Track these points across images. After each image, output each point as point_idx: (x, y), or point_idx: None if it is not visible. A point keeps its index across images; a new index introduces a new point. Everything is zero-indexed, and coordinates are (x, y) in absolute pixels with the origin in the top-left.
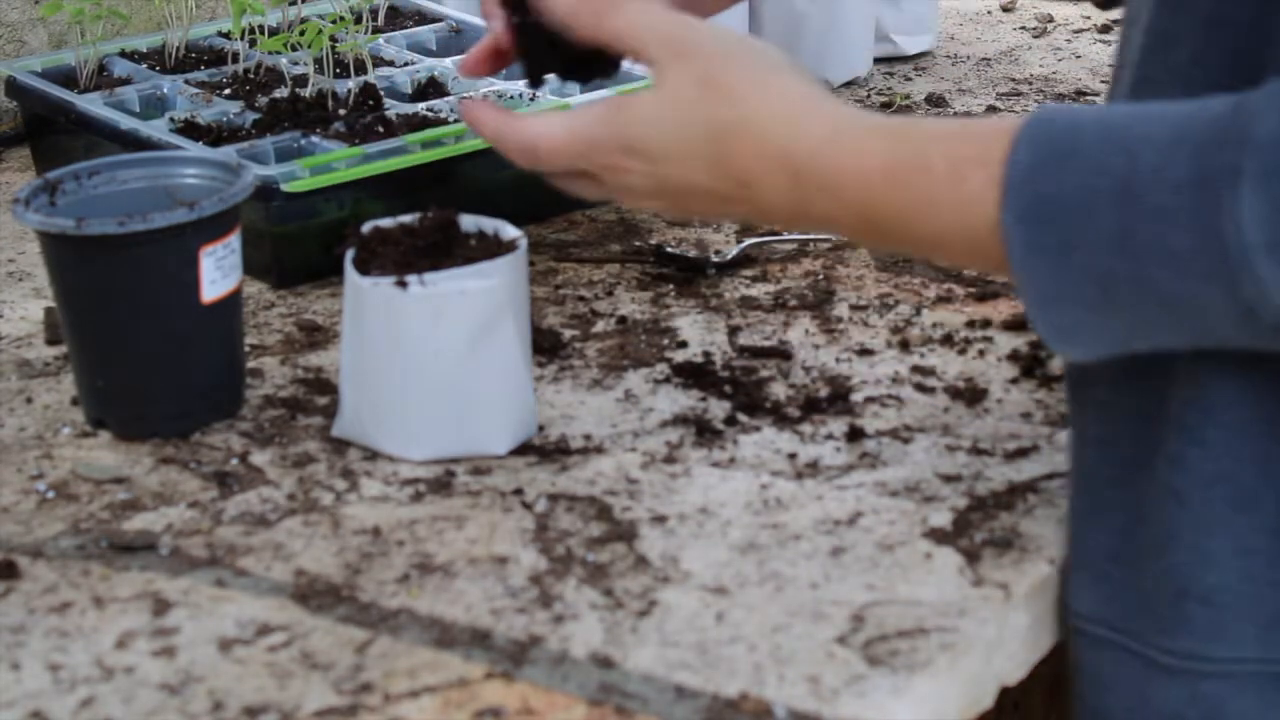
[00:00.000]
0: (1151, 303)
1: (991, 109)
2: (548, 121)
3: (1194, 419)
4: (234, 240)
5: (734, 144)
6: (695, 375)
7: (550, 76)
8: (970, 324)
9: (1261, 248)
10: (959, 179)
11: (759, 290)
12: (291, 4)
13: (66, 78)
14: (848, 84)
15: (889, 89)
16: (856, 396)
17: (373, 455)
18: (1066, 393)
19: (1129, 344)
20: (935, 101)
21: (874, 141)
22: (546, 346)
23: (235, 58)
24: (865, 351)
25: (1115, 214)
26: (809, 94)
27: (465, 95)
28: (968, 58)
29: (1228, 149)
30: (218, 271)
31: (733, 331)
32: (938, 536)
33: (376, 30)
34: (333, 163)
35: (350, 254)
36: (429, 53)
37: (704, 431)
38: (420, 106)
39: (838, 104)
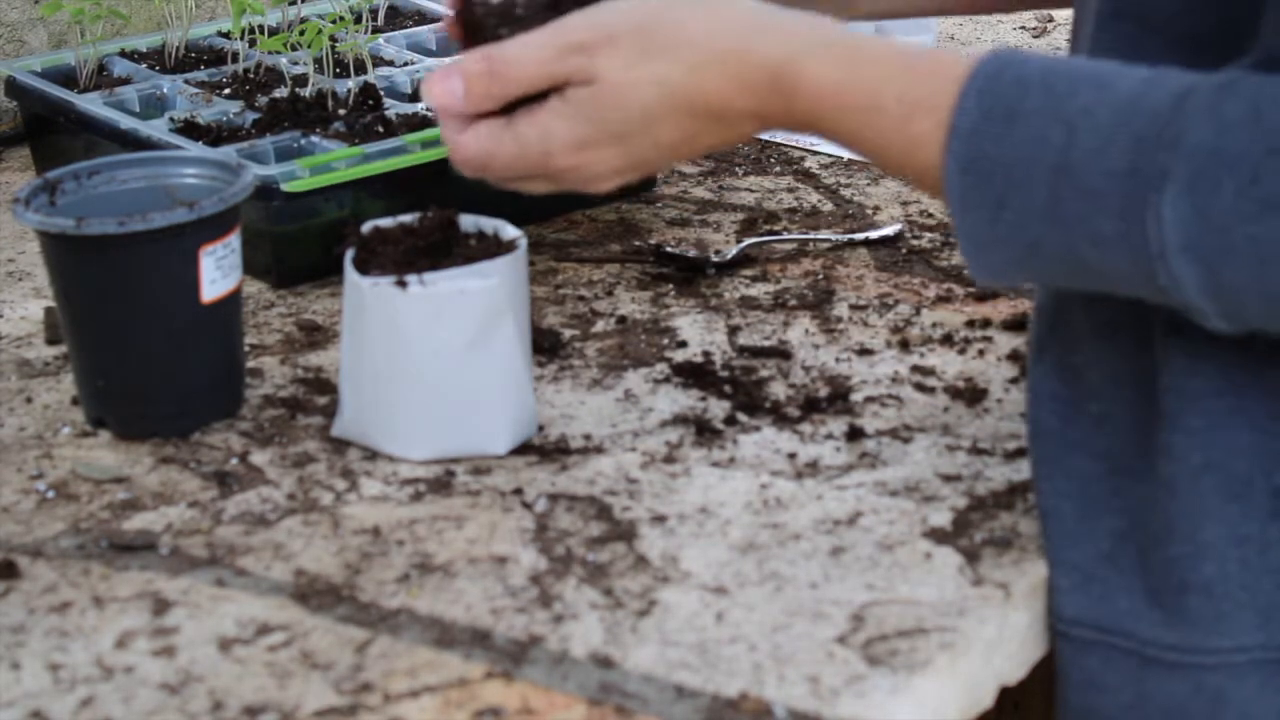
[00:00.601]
0: (1075, 267)
1: None
2: (495, 136)
3: (1176, 406)
4: (234, 240)
5: (696, 89)
6: (695, 375)
7: None
8: (970, 324)
9: (1179, 250)
10: (908, 121)
11: (759, 290)
12: (291, 4)
13: (66, 78)
14: None
15: None
16: (856, 396)
17: (373, 455)
18: (1050, 411)
19: (1052, 286)
20: None
21: (826, 69)
22: (546, 346)
23: (235, 58)
24: (865, 351)
25: (1049, 186)
26: (751, 18)
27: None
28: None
29: (1161, 150)
30: (218, 271)
31: (732, 331)
32: (937, 536)
33: (376, 30)
34: (333, 163)
35: (350, 254)
36: (429, 53)
37: (704, 431)
38: (420, 106)
39: (783, 21)
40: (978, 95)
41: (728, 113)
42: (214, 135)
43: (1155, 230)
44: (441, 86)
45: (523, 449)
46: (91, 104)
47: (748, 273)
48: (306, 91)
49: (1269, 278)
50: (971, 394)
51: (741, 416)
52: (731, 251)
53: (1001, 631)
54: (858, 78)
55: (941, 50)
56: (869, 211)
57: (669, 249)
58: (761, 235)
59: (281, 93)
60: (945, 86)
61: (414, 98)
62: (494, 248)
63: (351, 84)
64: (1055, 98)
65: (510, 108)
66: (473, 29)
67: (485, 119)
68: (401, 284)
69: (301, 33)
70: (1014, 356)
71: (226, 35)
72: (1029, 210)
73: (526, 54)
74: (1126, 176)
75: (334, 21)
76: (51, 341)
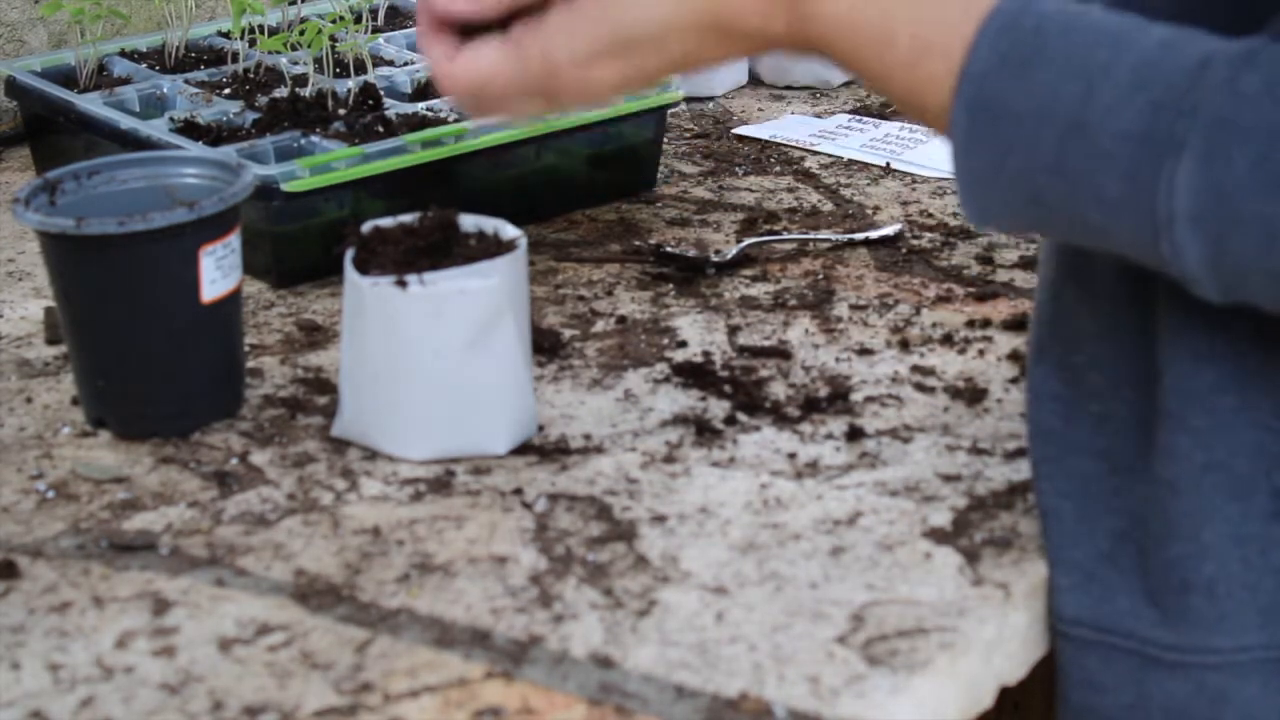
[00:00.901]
0: (1075, 222)
1: None
2: (494, 53)
3: (1179, 406)
4: (234, 240)
5: (713, 1)
6: (695, 375)
7: None
8: (970, 324)
9: (1186, 218)
10: (918, 61)
11: (759, 290)
12: (291, 4)
13: (66, 77)
14: (847, 83)
15: None
16: (856, 396)
17: (373, 455)
18: (1051, 411)
19: (1047, 236)
20: None
21: None
22: (546, 346)
23: (235, 57)
24: (865, 351)
25: (1058, 140)
26: None
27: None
28: None
29: (1180, 119)
30: (218, 271)
31: (732, 331)
32: (937, 536)
33: (376, 30)
34: (333, 163)
35: (350, 254)
36: None
37: (704, 431)
38: (420, 106)
39: None
40: (994, 37)
41: (743, 28)
42: (214, 135)
43: (1166, 198)
44: None
45: (523, 449)
46: (91, 104)
47: (748, 273)
48: (306, 91)
49: (1275, 255)
50: (971, 394)
51: (741, 416)
52: (731, 251)
53: (1001, 631)
54: (874, 6)
55: None
56: (869, 211)
57: (669, 249)
58: (761, 235)
59: (281, 93)
60: (961, 27)
61: (414, 98)
62: (494, 248)
63: (351, 84)
64: (1074, 50)
65: (503, 24)
66: None
67: (480, 38)
68: (401, 284)
69: (301, 33)
70: (1014, 356)
71: (226, 35)
72: (1035, 162)
73: None
74: (1140, 141)
75: (334, 21)
76: (51, 341)
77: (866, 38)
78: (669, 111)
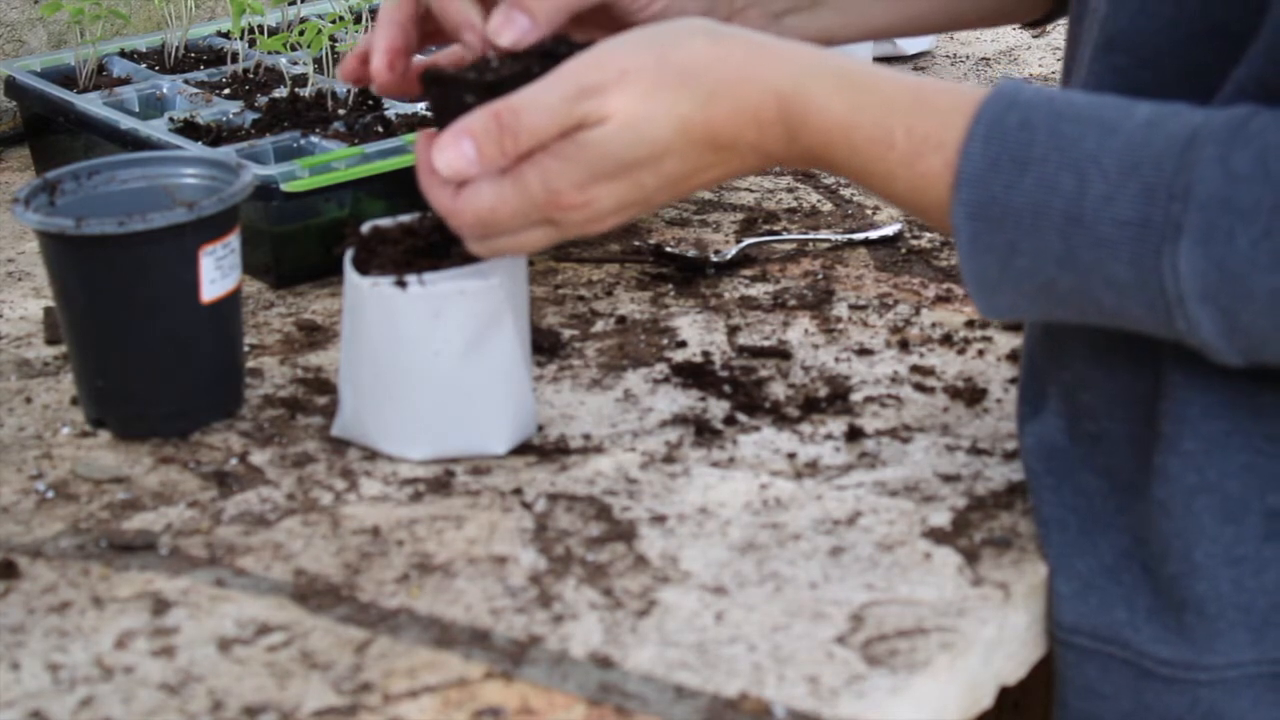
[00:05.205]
0: (1088, 306)
1: None
2: (495, 189)
3: (1172, 430)
4: (234, 240)
5: (708, 120)
6: (695, 375)
7: None
8: (970, 324)
9: (1197, 298)
10: (916, 157)
11: (758, 290)
12: (291, 4)
13: (66, 78)
14: None
15: None
16: (856, 396)
17: (372, 455)
18: (1051, 427)
19: (1061, 320)
20: None
21: (835, 99)
22: (546, 346)
23: (235, 58)
24: (865, 351)
25: (1061, 234)
26: (754, 42)
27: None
28: (967, 58)
29: (1174, 202)
30: (217, 271)
31: (732, 331)
32: (937, 536)
33: None
34: (332, 163)
35: (350, 254)
36: (428, 53)
37: (703, 431)
38: (420, 106)
39: (784, 46)
40: (984, 140)
41: (739, 145)
42: (214, 135)
43: (1172, 280)
44: (452, 152)
45: (522, 449)
46: (91, 104)
47: (747, 273)
48: (306, 91)
49: None
50: (971, 394)
51: (741, 416)
52: (731, 251)
53: (1001, 632)
54: (864, 109)
55: (941, 81)
56: (869, 211)
57: (669, 249)
58: (761, 235)
59: (281, 93)
60: (952, 121)
61: (414, 98)
62: None
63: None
64: (1062, 142)
65: None
66: (441, 103)
67: (476, 179)
68: (401, 284)
69: (301, 33)
70: (1013, 356)
71: (226, 35)
72: (1042, 256)
73: (538, 103)
74: (1138, 226)
75: (334, 21)
76: (51, 341)
77: (864, 139)
78: None
